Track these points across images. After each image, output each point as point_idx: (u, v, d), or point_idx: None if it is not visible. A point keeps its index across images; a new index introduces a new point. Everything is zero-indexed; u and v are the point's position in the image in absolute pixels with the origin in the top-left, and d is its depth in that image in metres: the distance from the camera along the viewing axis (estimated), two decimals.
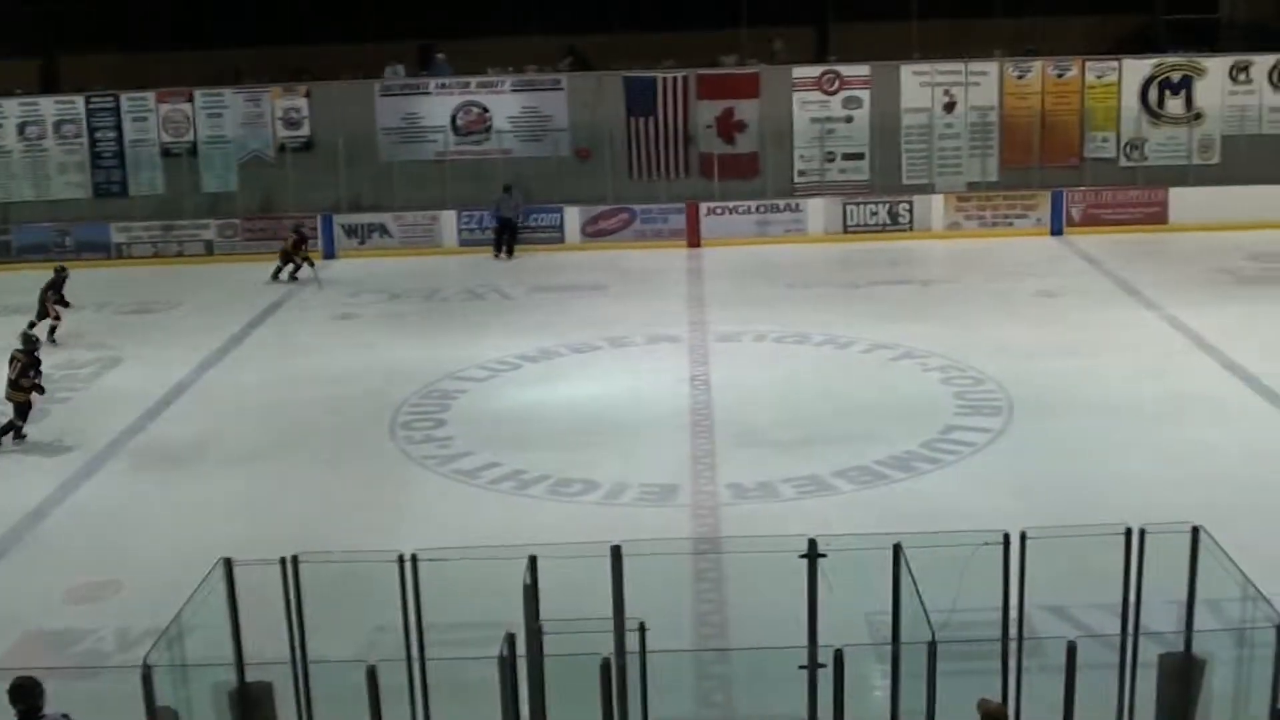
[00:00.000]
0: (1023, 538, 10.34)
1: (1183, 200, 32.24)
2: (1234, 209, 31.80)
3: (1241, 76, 33.24)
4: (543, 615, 9.88)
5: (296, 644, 10.66)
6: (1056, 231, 31.77)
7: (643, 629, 9.83)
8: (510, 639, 9.33)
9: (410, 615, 10.53)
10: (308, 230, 30.95)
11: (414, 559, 10.47)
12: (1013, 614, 10.48)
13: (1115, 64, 33.16)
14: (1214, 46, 35.25)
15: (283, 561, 10.52)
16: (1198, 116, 33.12)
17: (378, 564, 10.51)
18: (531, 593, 9.88)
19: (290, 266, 29.66)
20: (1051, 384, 21.14)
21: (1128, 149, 33.00)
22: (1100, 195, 32.19)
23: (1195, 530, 10.19)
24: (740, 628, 13.57)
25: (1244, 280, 27.66)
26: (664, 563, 13.57)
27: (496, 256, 31.36)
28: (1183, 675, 10.24)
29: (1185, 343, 23.42)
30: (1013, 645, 10.50)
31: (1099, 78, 32.97)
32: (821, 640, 9.86)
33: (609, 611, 9.62)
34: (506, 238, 31.47)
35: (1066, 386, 21.05)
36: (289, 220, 31.58)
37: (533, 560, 9.95)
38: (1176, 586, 10.55)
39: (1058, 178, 32.49)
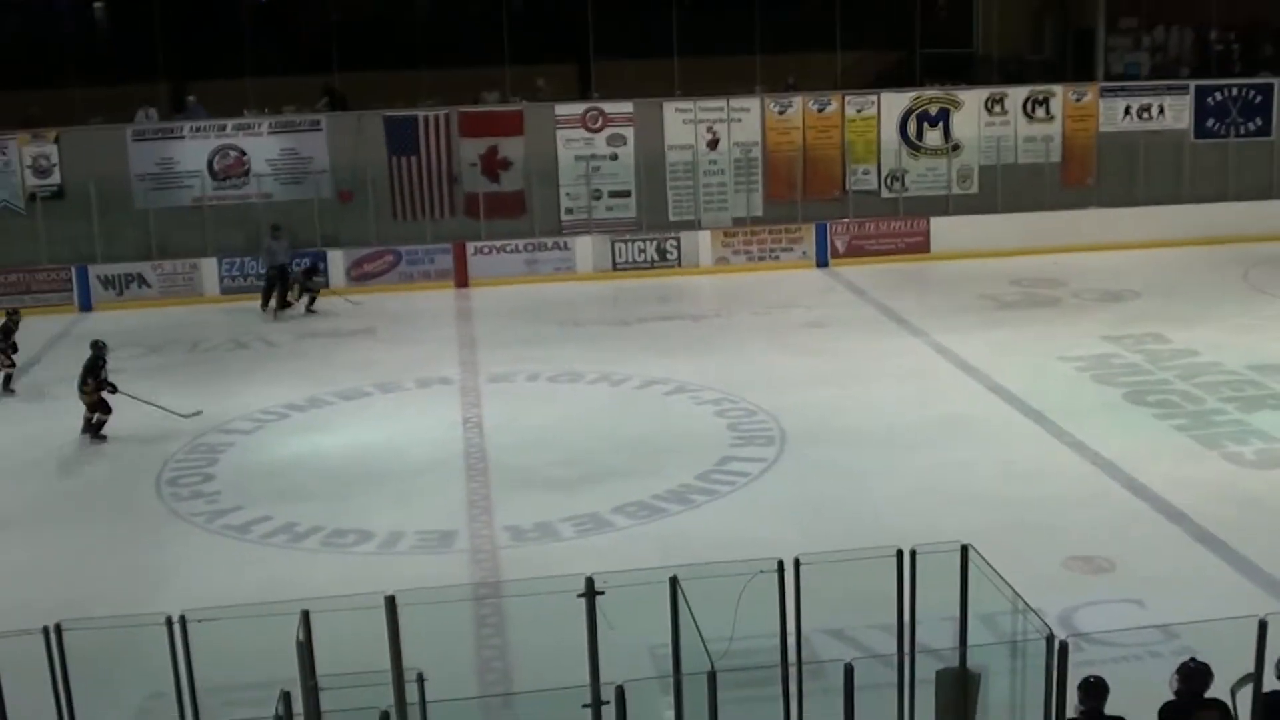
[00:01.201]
0: (796, 563, 10.42)
1: (944, 229, 33.08)
2: (993, 236, 32.77)
3: (996, 108, 34.26)
4: (319, 670, 9.60)
5: (65, 717, 10.18)
6: (822, 263, 32.30)
7: (421, 679, 9.60)
8: (285, 697, 9.02)
9: (182, 679, 10.14)
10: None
11: (183, 620, 10.10)
12: (791, 639, 10.54)
13: (874, 98, 33.88)
14: (969, 79, 36.27)
15: (45, 630, 10.05)
16: (955, 147, 34.02)
17: (146, 627, 10.11)
18: (305, 649, 9.59)
19: (307, 297, 29.50)
20: (823, 412, 21.42)
21: (889, 180, 33.73)
22: (864, 226, 32.84)
23: (964, 548, 10.37)
24: (525, 671, 13.38)
25: (1005, 305, 28.45)
26: (444, 611, 13.36)
27: (265, 308, 29.97)
28: (959, 688, 10.38)
29: (950, 367, 23.96)
30: (793, 670, 10.56)
31: (859, 111, 33.66)
32: (606, 677, 9.78)
33: (388, 664, 9.39)
34: (279, 287, 30.00)
35: (837, 414, 21.35)
36: (42, 273, 30.53)
37: (305, 615, 9.66)
38: (950, 603, 10.71)
39: (821, 210, 33.05)
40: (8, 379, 24.30)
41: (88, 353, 21.80)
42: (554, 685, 10.19)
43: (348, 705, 9.11)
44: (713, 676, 8.81)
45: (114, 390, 21.47)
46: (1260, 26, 37.58)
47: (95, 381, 21.37)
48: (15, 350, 24.61)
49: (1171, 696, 9.64)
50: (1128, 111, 34.95)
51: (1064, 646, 9.00)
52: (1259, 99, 35.60)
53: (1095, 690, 9.53)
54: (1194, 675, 9.65)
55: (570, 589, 10.08)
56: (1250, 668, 9.37)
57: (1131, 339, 25.33)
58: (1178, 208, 34.08)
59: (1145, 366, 23.71)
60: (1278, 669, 9.70)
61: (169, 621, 10.07)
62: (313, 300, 29.68)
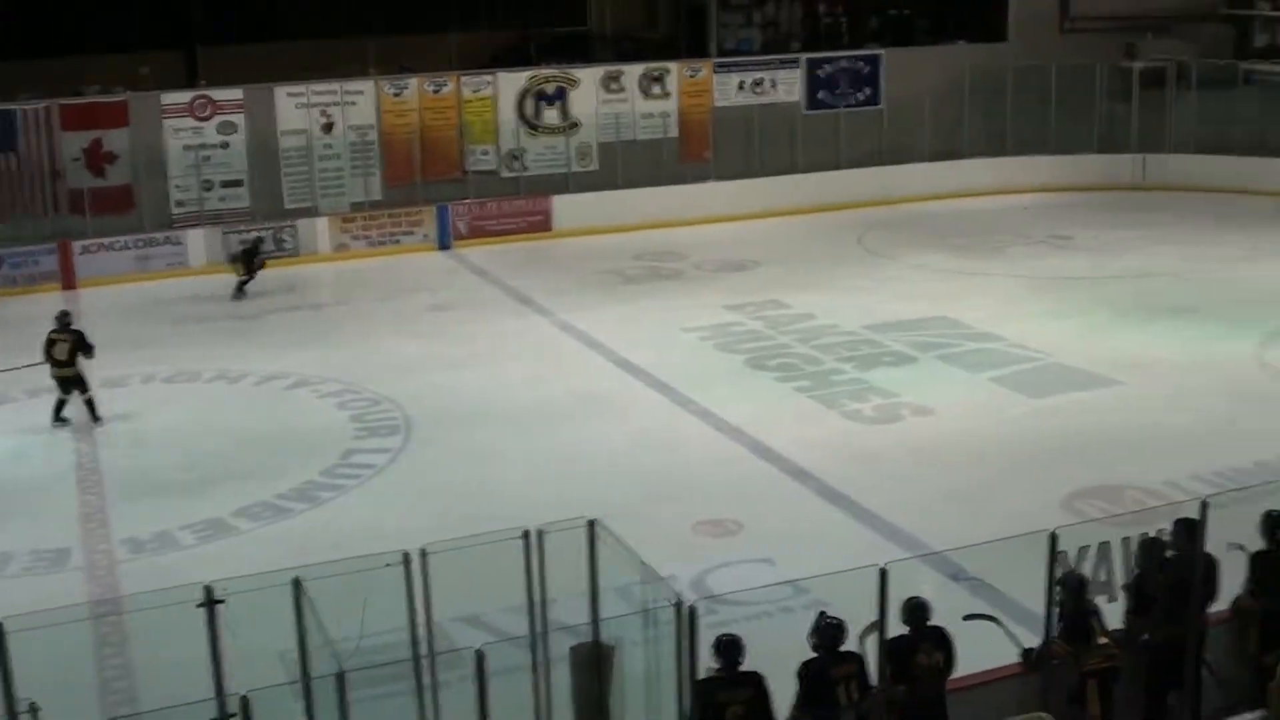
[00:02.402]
0: (423, 554, 10.14)
1: (565, 207, 33.17)
2: (615, 213, 33.00)
3: (614, 85, 34.51)
4: None
5: None
6: (444, 246, 31.93)
7: (34, 709, 8.97)
8: None
9: None
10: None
11: None
12: (423, 630, 10.27)
13: (491, 78, 33.71)
14: (585, 58, 36.43)
15: None
16: (574, 125, 34.12)
17: None
18: None
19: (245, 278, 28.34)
20: (451, 397, 21.17)
21: (508, 160, 33.61)
22: (485, 207, 32.62)
23: (591, 523, 10.29)
24: (151, 690, 12.75)
25: (630, 280, 28.70)
26: (61, 634, 12.57)
27: None
28: (593, 663, 10.32)
29: (577, 344, 24.03)
30: (426, 662, 10.30)
31: (475, 92, 33.42)
32: (234, 687, 9.32)
33: None
34: None
35: (466, 397, 21.13)
36: None
37: None
38: (585, 579, 10.59)
39: (441, 192, 32.67)
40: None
41: None
42: (180, 701, 9.69)
43: None
44: (341, 677, 8.50)
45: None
46: (866, 0, 38.92)
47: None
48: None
49: (811, 653, 9.76)
50: (742, 86, 35.69)
51: (693, 611, 9.00)
52: (867, 70, 36.85)
53: (727, 648, 9.55)
54: (828, 631, 9.78)
55: (190, 599, 9.57)
56: (877, 615, 9.55)
57: (752, 306, 25.88)
58: (793, 177, 35.01)
59: (766, 332, 24.24)
60: (901, 614, 9.93)
61: None
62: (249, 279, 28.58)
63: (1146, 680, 10.88)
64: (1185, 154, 36.04)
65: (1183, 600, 10.64)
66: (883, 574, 9.39)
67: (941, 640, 10.10)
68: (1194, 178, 35.45)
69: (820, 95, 36.46)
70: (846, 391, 20.98)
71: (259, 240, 29.79)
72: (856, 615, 9.79)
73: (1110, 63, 37.28)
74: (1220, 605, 11.11)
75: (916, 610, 10.09)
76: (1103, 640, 10.54)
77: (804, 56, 36.68)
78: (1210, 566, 10.73)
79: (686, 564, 14.45)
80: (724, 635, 9.71)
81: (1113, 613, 10.84)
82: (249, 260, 28.70)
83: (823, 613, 9.96)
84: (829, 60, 36.72)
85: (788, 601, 12.92)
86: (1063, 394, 20.67)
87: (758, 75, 35.95)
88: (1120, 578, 11.00)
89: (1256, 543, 11.23)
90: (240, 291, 28.41)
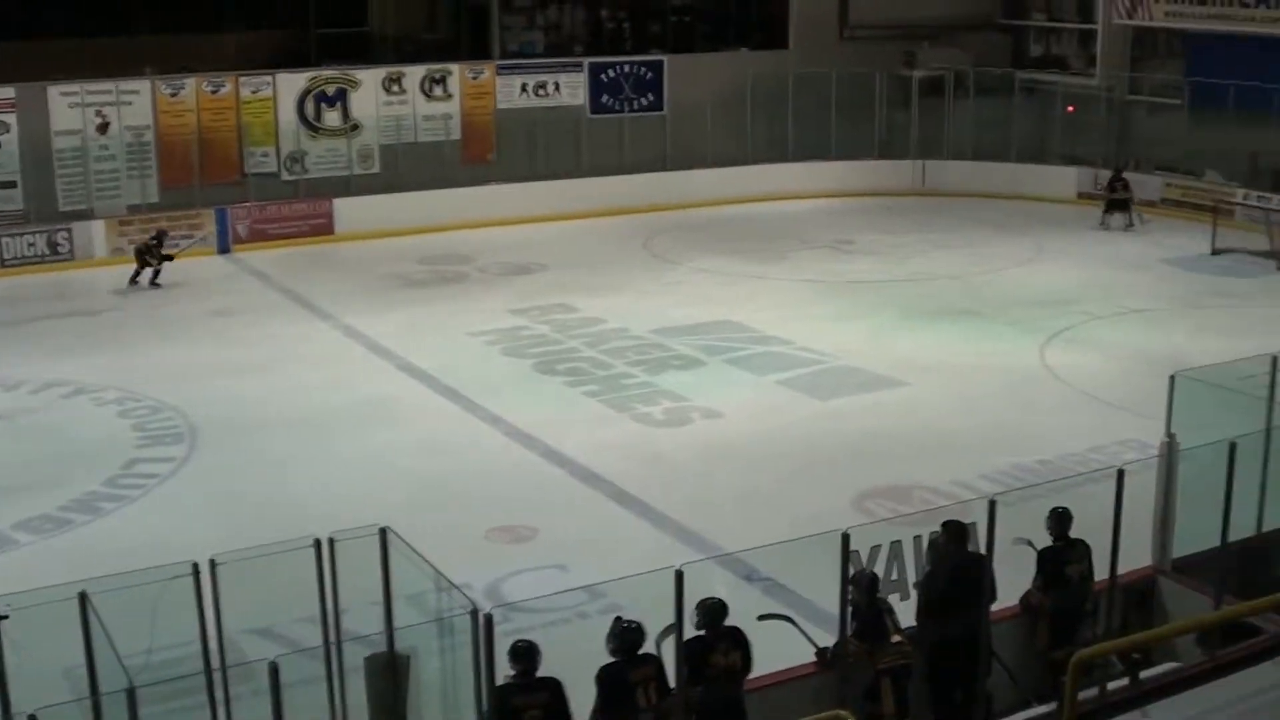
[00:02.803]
0: (212, 565, 9.89)
1: (348, 210, 32.72)
2: (398, 215, 32.66)
3: (395, 87, 34.16)
4: None
5: None
6: (224, 250, 31.20)
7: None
8: None
9: None
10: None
11: None
12: (215, 643, 10.02)
13: (270, 79, 33.10)
14: (366, 59, 35.99)
15: None
16: (355, 127, 33.70)
17: None
18: None
19: (149, 270, 27.83)
20: (235, 404, 20.73)
21: (288, 162, 33.05)
22: (265, 210, 32.00)
23: (383, 531, 10.14)
24: None
25: (414, 283, 28.42)
26: None
27: None
28: (388, 673, 10.17)
29: (363, 350, 23.71)
30: (218, 675, 10.05)
31: (255, 93, 32.80)
32: (20, 707, 9.00)
33: None
34: None
35: (250, 404, 20.72)
36: None
37: None
38: (379, 588, 10.44)
39: (221, 195, 31.93)
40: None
41: None
42: None
43: None
44: (131, 693, 8.24)
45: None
46: (648, 4, 39.17)
47: None
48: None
49: (609, 658, 9.74)
50: (524, 89, 35.64)
51: (489, 618, 8.90)
52: (650, 75, 37.08)
53: (522, 654, 9.51)
54: (625, 635, 9.77)
55: None
56: (673, 618, 9.57)
57: (539, 310, 25.83)
58: (578, 181, 35.04)
59: (554, 336, 24.21)
60: (697, 616, 9.96)
61: None
62: (157, 273, 28.36)
63: (934, 677, 11.09)
64: (963, 161, 37.03)
65: (962, 599, 10.88)
66: (679, 576, 9.40)
67: (738, 641, 10.17)
68: (972, 184, 36.46)
69: (604, 99, 36.60)
70: (636, 395, 21.06)
71: (162, 233, 29.17)
72: (653, 618, 9.79)
73: (890, 70, 38.12)
74: (1003, 602, 11.39)
75: (712, 611, 10.14)
76: (896, 638, 10.72)
77: (587, 60, 36.79)
78: (979, 565, 10.95)
79: (481, 571, 14.36)
80: (519, 641, 9.67)
81: (906, 610, 11.03)
82: (154, 252, 28.40)
83: (619, 617, 9.96)
84: (612, 64, 36.87)
85: (584, 607, 12.90)
86: (849, 396, 21.02)
87: (541, 78, 35.94)
88: (912, 576, 11.19)
89: (1044, 539, 11.54)
90: (154, 282, 28.33)
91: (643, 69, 37.09)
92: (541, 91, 35.86)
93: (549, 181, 34.82)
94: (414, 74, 34.45)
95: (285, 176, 33.03)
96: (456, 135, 34.81)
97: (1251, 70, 33.36)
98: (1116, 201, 33.19)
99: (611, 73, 36.76)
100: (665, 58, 37.46)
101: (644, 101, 37.01)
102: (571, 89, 36.23)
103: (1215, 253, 30.16)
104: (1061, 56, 40.94)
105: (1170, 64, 38.18)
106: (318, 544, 10.20)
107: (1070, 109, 38.01)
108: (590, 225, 33.66)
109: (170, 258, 28.51)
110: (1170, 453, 12.31)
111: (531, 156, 35.30)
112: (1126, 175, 33.70)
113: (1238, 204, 32.24)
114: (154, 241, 28.67)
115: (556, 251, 31.01)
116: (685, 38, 39.18)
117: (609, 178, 35.40)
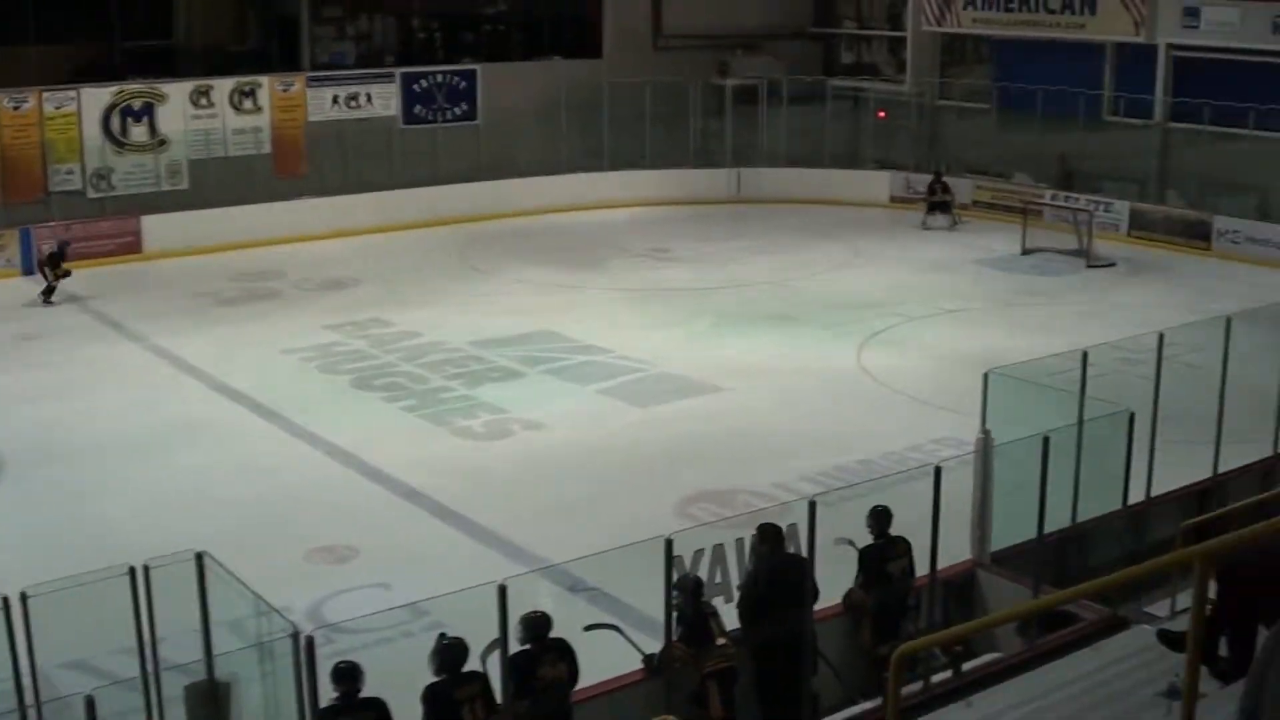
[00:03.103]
0: (23, 597, 9.59)
1: (156, 227, 31.98)
2: (208, 232, 32.03)
3: (203, 101, 33.51)
4: None
5: None
6: (29, 271, 30.22)
7: None
8: None
9: None
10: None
11: None
12: (28, 679, 9.73)
13: (74, 94, 32.25)
14: (173, 72, 35.19)
15: None
16: (163, 143, 32.98)
17: None
18: None
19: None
20: (43, 431, 20.13)
21: (94, 179, 32.24)
22: (71, 229, 31.12)
23: (199, 556, 9.91)
24: None
25: (226, 301, 27.87)
26: None
27: None
28: (209, 700, 9.96)
29: (174, 371, 23.20)
30: (32, 711, 9.78)
31: (58, 108, 31.93)
32: None
33: None
34: None
35: (59, 430, 20.14)
36: None
37: None
38: (197, 615, 10.21)
39: (24, 214, 31.00)
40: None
41: None
42: None
43: None
44: None
45: None
46: (460, 14, 38.94)
47: None
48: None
49: (434, 676, 9.64)
50: (336, 100, 35.23)
51: (310, 641, 8.76)
52: (464, 85, 36.90)
53: (344, 676, 9.37)
54: (448, 652, 9.67)
55: None
56: (497, 633, 9.50)
57: (354, 326, 25.52)
58: (392, 193, 34.69)
59: (370, 352, 23.95)
60: (522, 630, 9.90)
61: None
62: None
63: (760, 678, 11.15)
64: (778, 167, 37.45)
65: (782, 600, 10.97)
66: (501, 590, 9.34)
67: (564, 652, 10.13)
68: (787, 190, 36.86)
69: (417, 110, 36.35)
70: (455, 409, 20.90)
71: (65, 244, 28.55)
72: (478, 634, 9.70)
73: (704, 79, 38.42)
74: (826, 601, 11.49)
75: (535, 624, 10.10)
76: (721, 641, 10.76)
77: (399, 71, 36.46)
78: (799, 566, 11.03)
79: (301, 593, 14.12)
80: (341, 663, 9.54)
81: (731, 613, 11.07)
82: (55, 264, 27.78)
83: (442, 634, 9.86)
84: (425, 74, 36.62)
85: (407, 625, 12.72)
86: (670, 403, 21.10)
87: (352, 89, 35.55)
88: (735, 579, 11.24)
89: (866, 538, 11.67)
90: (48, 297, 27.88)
91: (456, 79, 36.89)
92: (353, 103, 35.48)
93: (362, 194, 34.42)
94: (223, 87, 33.83)
95: (91, 194, 32.20)
96: (267, 149, 34.26)
97: (1057, 75, 34.33)
98: (938, 203, 33.87)
99: (424, 83, 36.50)
100: (479, 67, 37.29)
101: (458, 111, 36.82)
102: (384, 100, 35.91)
103: (1026, 252, 30.94)
104: (873, 64, 41.75)
105: (978, 69, 39.12)
106: (132, 572, 9.95)
107: (881, 115, 38.70)
108: (405, 237, 33.37)
109: (68, 273, 28.03)
110: (985, 448, 12.56)
111: (344, 169, 34.87)
112: (946, 178, 34.41)
113: (1047, 205, 33.09)
114: (56, 253, 28.20)
115: (371, 265, 30.67)
116: (499, 47, 39.03)
117: (423, 189, 35.11)
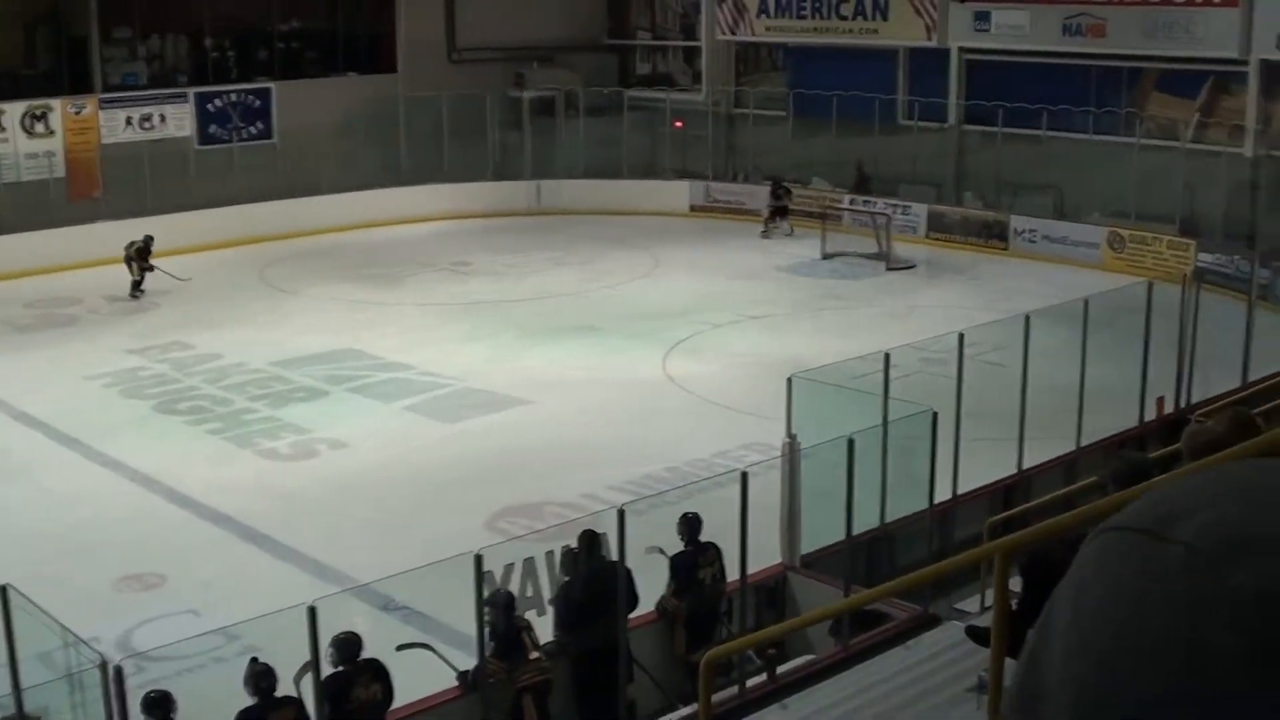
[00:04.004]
0: None
1: None
2: (1, 259, 31.17)
3: None
4: None
5: None
6: None
7: None
8: None
9: None
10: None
11: None
12: None
13: None
14: None
15: None
16: None
17: None
18: None
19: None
20: None
21: None
22: None
23: (2, 589, 9.74)
24: None
25: (22, 329, 27.19)
26: None
27: None
28: None
29: None
30: None
31: None
32: None
33: None
34: None
35: None
36: None
37: None
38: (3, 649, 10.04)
39: None
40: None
41: None
42: None
43: None
44: None
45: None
46: (253, 32, 38.43)
47: None
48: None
49: (250, 700, 9.61)
50: (130, 122, 34.60)
51: (119, 671, 8.69)
52: (259, 103, 36.49)
53: (155, 705, 9.32)
54: (259, 677, 9.65)
55: None
56: (309, 655, 9.50)
57: (156, 349, 25.10)
58: (189, 214, 34.03)
59: (172, 375, 23.59)
60: (333, 651, 9.91)
61: None
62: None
63: (576, 690, 11.29)
64: (576, 179, 37.61)
65: (597, 608, 11.12)
66: (312, 612, 9.35)
67: (378, 672, 10.17)
68: (586, 201, 37.02)
69: (212, 130, 35.84)
70: (260, 430, 20.70)
71: (149, 239, 28.85)
72: (291, 657, 9.70)
73: (500, 92, 38.47)
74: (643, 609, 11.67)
75: (347, 645, 10.11)
76: (534, 655, 10.87)
77: (192, 90, 35.91)
78: (613, 574, 11.20)
79: (110, 623, 13.88)
80: (152, 692, 9.50)
81: (544, 626, 11.19)
82: (143, 258, 28.15)
83: (253, 659, 9.84)
84: (219, 94, 36.14)
85: (219, 651, 12.61)
86: (476, 417, 21.14)
87: (146, 110, 34.93)
88: (547, 592, 11.36)
89: (677, 545, 11.88)
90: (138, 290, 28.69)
91: (250, 97, 36.46)
92: (147, 124, 34.88)
93: (159, 216, 33.74)
94: (13, 110, 32.96)
95: None
96: (61, 173, 33.48)
97: (852, 81, 35.01)
98: (780, 209, 34.11)
99: (219, 102, 36.02)
100: (273, 85, 36.89)
101: (253, 130, 36.39)
102: (178, 120, 35.35)
103: (826, 257, 31.47)
104: (668, 74, 42.11)
105: (774, 77, 39.73)
106: None
107: (678, 124, 39.10)
108: (204, 258, 32.74)
109: (153, 268, 28.64)
110: (792, 452, 12.82)
111: (140, 191, 34.14)
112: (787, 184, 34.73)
113: (845, 209, 33.70)
114: (143, 247, 28.65)
115: (172, 287, 30.13)
116: (293, 64, 38.57)
117: (221, 209, 34.48)
